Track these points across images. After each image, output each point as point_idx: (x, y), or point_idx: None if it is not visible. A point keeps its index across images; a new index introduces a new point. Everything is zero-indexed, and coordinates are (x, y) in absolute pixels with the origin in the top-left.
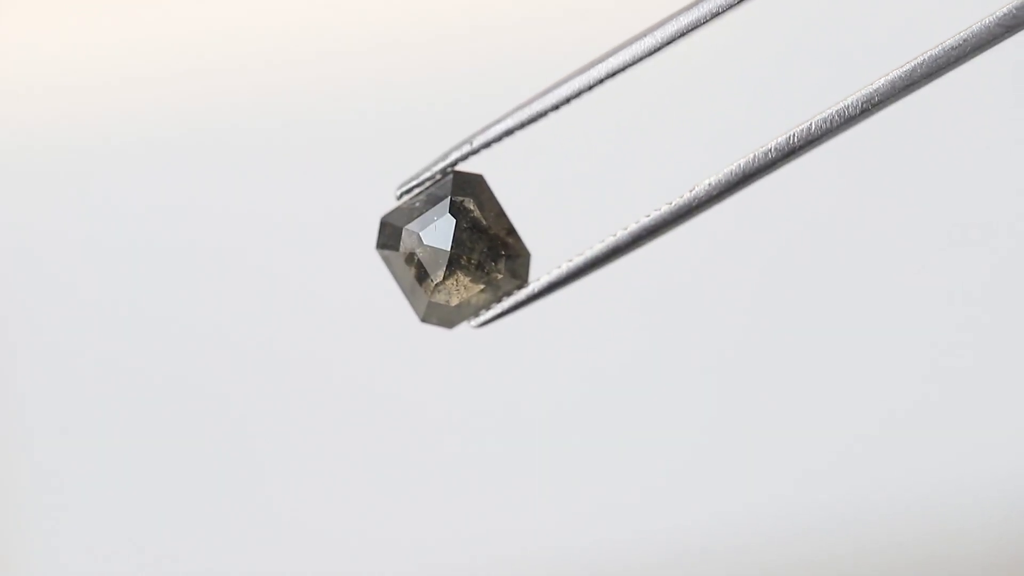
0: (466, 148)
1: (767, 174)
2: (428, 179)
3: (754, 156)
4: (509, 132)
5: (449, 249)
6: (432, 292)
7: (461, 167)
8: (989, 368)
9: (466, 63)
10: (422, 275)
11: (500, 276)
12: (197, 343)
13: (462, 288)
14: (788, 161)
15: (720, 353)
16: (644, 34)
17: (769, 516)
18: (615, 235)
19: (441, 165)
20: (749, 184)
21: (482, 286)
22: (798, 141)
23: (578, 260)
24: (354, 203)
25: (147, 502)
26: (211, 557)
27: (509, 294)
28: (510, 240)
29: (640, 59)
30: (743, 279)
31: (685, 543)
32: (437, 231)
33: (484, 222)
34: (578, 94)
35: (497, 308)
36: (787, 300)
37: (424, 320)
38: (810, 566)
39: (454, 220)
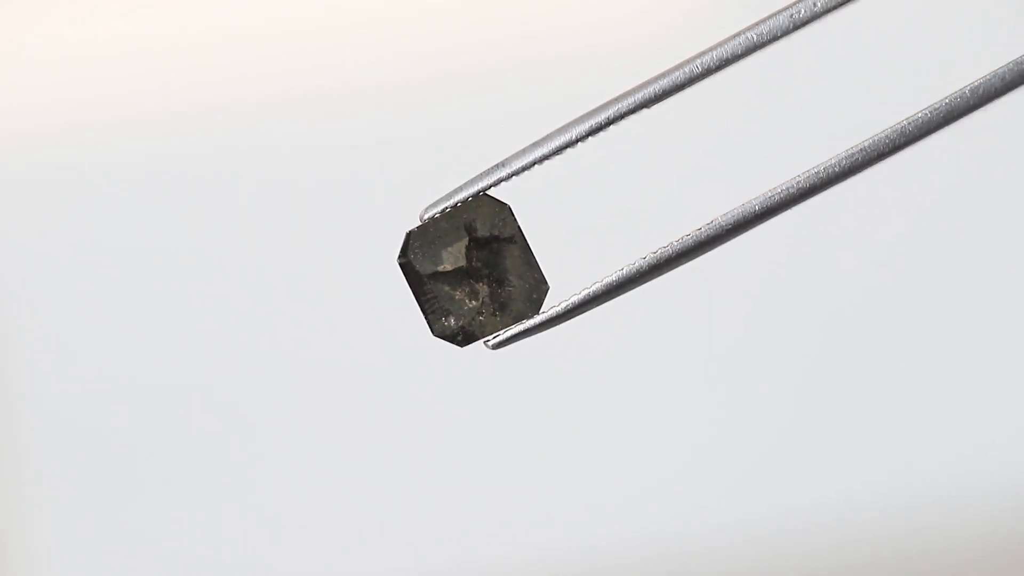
0: (498, 174)
1: (790, 208)
2: (457, 203)
3: (777, 190)
4: (542, 159)
5: (441, 264)
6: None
7: (492, 192)
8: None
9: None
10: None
11: (503, 296)
12: (197, 346)
13: (464, 301)
14: (810, 196)
15: (720, 353)
16: (683, 66)
17: (775, 517)
18: (634, 263)
19: (471, 191)
20: (771, 218)
21: (482, 304)
22: (823, 177)
23: (596, 287)
24: (367, 215)
25: (147, 503)
26: (212, 557)
27: (526, 317)
28: (524, 269)
29: (672, 90)
30: (741, 279)
31: (690, 544)
32: (448, 248)
33: (496, 244)
34: (614, 121)
35: (513, 329)
36: (789, 297)
37: (436, 334)
38: (809, 566)
39: (466, 237)
